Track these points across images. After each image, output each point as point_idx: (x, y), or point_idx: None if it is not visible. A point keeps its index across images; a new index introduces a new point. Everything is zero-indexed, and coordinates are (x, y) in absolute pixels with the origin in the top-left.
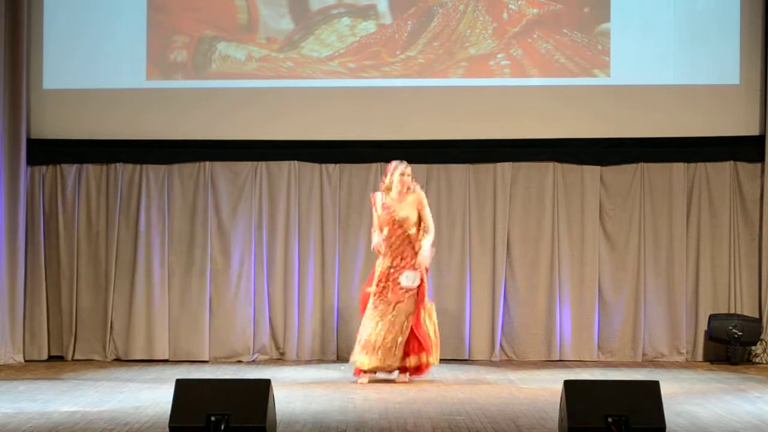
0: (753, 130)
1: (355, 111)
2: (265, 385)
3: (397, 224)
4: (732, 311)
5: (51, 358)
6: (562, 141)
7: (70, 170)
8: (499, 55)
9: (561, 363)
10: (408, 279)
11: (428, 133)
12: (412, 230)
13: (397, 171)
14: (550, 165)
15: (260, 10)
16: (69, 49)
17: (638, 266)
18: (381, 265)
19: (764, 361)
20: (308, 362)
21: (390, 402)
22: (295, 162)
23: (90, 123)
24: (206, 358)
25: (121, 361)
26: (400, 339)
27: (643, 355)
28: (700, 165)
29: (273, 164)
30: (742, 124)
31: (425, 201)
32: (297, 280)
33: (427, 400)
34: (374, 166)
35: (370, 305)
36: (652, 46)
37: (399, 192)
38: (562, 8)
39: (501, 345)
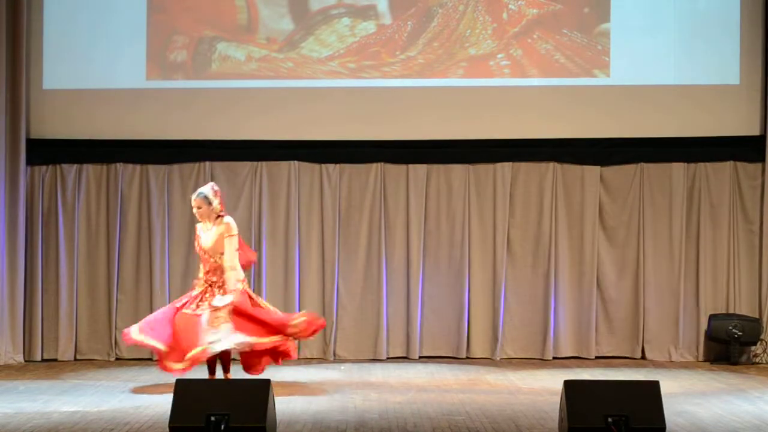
0: (753, 130)
1: (355, 111)
2: (265, 385)
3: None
4: (732, 311)
5: (51, 358)
6: (562, 141)
7: (70, 170)
8: (499, 55)
9: (561, 363)
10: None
11: (428, 133)
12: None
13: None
14: (550, 165)
15: (260, 10)
16: (68, 49)
17: (638, 266)
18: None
19: (764, 361)
20: (308, 362)
21: (390, 402)
22: (295, 162)
23: (90, 123)
24: None
25: (121, 361)
26: None
27: (643, 355)
28: (700, 165)
29: (273, 164)
30: (743, 124)
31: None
32: (297, 279)
33: (427, 400)
34: (374, 166)
35: None
36: (652, 46)
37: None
38: (562, 8)
39: (501, 344)
